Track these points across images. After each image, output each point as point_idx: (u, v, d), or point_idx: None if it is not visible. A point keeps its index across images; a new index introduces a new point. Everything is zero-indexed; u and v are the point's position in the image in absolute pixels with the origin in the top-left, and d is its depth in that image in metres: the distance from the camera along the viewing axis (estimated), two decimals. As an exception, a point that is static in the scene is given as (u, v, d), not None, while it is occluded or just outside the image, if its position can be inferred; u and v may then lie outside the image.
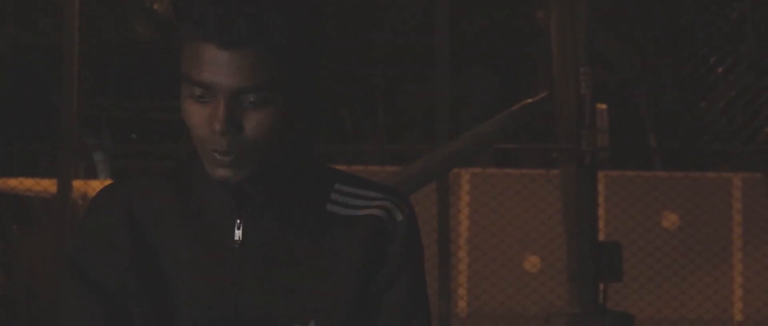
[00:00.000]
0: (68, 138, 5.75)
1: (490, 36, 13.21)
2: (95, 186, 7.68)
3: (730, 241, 9.59)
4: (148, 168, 1.51)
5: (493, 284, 7.32)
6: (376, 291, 1.40)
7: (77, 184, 6.28)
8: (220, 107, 1.33)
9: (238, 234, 1.39)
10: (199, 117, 1.35)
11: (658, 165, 12.75)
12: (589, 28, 5.29)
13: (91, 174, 12.29)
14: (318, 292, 1.38)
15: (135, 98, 13.44)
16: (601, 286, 5.23)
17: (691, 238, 8.17)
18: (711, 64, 6.73)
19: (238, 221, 1.40)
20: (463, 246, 9.09)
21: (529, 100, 4.91)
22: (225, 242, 1.39)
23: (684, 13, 11.80)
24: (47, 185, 6.93)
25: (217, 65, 1.32)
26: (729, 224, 9.44)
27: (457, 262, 8.60)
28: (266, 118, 1.34)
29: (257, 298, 1.38)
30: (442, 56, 5.42)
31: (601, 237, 5.38)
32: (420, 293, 1.43)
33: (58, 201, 5.55)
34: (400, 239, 1.41)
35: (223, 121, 1.32)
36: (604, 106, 5.43)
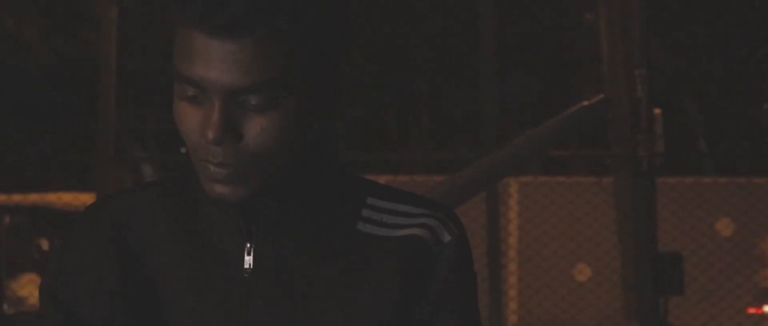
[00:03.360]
0: (105, 149, 5.65)
1: (533, 39, 12.96)
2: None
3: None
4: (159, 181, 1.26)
5: (545, 297, 7.10)
6: None
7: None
8: (214, 110, 1.08)
9: (247, 260, 1.15)
10: (191, 121, 1.10)
11: (708, 171, 12.42)
12: (644, 28, 5.09)
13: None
14: None
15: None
16: (662, 300, 5.01)
17: (753, 248, 7.87)
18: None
19: (248, 245, 1.15)
20: (514, 257, 8.86)
21: (585, 103, 4.67)
22: (233, 270, 1.15)
23: (735, 11, 11.47)
24: (87, 200, 6.80)
25: (209, 58, 1.07)
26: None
27: (507, 275, 8.37)
28: (272, 124, 1.09)
29: None
30: (488, 60, 5.23)
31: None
32: None
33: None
34: (447, 264, 1.16)
35: (218, 127, 1.08)
36: (658, 111, 5.22)
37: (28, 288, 6.91)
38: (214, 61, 1.07)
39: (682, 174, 9.06)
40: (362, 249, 1.15)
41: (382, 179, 5.30)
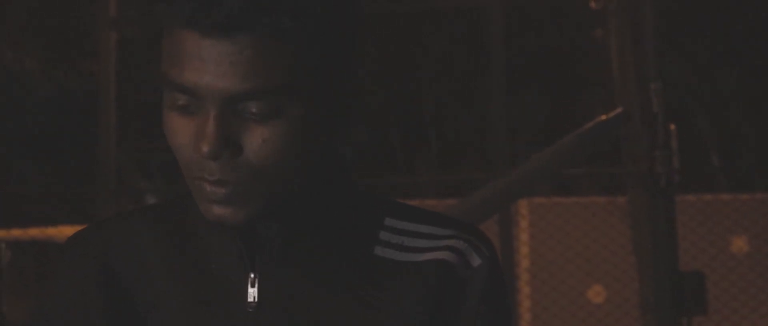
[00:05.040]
0: (107, 181, 5.55)
1: (542, 57, 12.88)
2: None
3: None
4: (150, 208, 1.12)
5: (562, 320, 6.97)
6: None
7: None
8: (209, 120, 0.95)
9: (251, 292, 1.01)
10: (183, 134, 0.97)
11: (722, 187, 12.28)
12: (656, 40, 4.97)
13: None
14: None
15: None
16: (685, 320, 4.86)
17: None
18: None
19: (252, 275, 1.02)
20: (527, 281, 8.73)
21: (603, 117, 4.51)
22: (235, 303, 1.02)
23: (748, 22, 11.35)
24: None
25: (203, 61, 0.94)
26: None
27: (521, 299, 8.23)
28: (275, 135, 0.96)
29: None
30: (497, 79, 5.11)
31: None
32: None
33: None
34: (478, 292, 1.02)
35: (213, 139, 0.94)
36: (673, 126, 5.09)
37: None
38: (208, 64, 0.94)
39: (694, 190, 8.93)
40: (381, 277, 1.02)
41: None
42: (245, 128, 0.96)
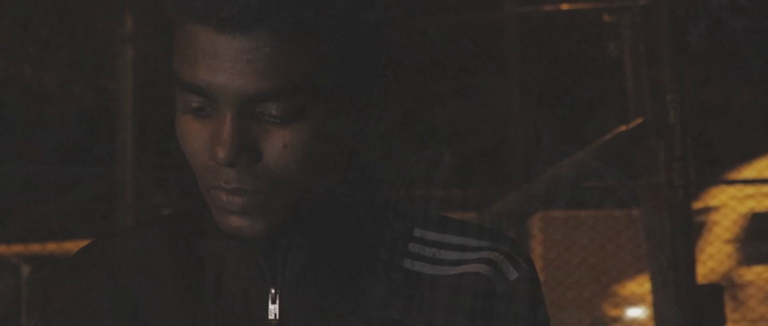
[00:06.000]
0: (124, 197, 5.58)
1: (556, 70, 12.86)
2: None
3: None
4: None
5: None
6: None
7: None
8: (225, 124, 0.87)
9: (272, 309, 0.95)
10: (197, 139, 0.90)
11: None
12: (674, 52, 4.97)
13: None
14: None
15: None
16: (703, 333, 4.84)
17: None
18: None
19: (273, 291, 0.95)
20: (544, 294, 8.72)
21: (623, 128, 4.50)
22: (254, 321, 0.95)
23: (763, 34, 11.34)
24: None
25: (217, 59, 0.86)
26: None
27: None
28: (297, 139, 0.88)
29: None
30: (513, 93, 5.12)
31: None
32: None
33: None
34: (515, 307, 0.96)
35: (230, 144, 0.87)
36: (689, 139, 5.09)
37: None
38: (223, 62, 0.86)
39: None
40: (411, 291, 0.95)
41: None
42: (264, 132, 0.88)
